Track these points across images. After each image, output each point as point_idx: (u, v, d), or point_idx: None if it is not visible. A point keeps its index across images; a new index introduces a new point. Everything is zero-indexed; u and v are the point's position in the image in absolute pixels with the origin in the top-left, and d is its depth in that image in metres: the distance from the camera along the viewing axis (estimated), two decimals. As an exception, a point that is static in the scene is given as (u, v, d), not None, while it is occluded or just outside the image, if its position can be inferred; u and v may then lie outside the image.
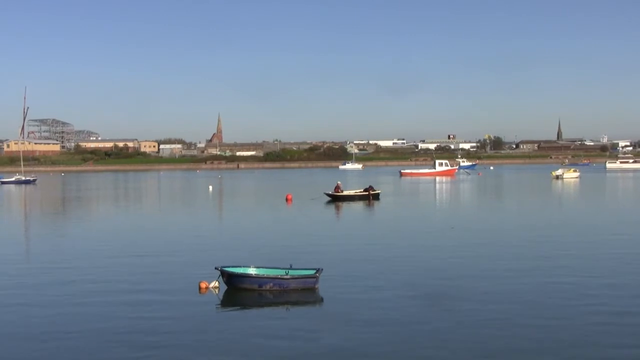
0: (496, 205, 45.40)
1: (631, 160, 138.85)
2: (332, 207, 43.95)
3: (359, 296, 15.59)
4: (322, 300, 15.45)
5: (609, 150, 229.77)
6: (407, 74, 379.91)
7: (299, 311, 14.77)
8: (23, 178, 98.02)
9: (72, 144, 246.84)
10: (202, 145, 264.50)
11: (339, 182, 52.30)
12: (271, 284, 16.30)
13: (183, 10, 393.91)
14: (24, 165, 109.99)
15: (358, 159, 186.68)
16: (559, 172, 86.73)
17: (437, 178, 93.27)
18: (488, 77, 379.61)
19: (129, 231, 31.07)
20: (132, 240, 27.23)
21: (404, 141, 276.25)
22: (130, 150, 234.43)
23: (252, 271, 16.91)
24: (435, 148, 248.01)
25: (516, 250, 22.29)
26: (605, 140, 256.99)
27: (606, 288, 16.20)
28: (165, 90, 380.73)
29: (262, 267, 17.24)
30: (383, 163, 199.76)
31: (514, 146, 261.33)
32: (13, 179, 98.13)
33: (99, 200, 58.84)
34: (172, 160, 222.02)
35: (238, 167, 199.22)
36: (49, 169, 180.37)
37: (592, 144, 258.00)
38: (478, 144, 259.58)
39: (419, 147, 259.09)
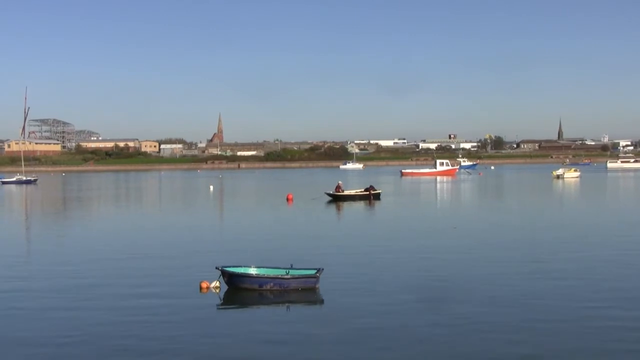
0: (497, 205, 45.38)
1: (632, 160, 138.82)
2: (333, 207, 43.95)
3: (360, 296, 15.59)
4: (322, 300, 15.46)
5: (609, 150, 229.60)
6: (407, 74, 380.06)
7: (300, 311, 14.79)
8: (24, 178, 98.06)
9: (73, 144, 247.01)
10: (203, 145, 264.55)
11: (340, 182, 52.31)
12: (272, 284, 16.31)
13: (183, 10, 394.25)
14: (24, 165, 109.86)
15: (359, 159, 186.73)
16: (560, 171, 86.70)
17: (438, 178, 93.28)
18: (488, 77, 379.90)
19: (130, 231, 31.09)
20: (132, 240, 27.24)
21: (405, 141, 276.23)
22: (131, 150, 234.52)
23: (252, 271, 16.93)
24: (436, 148, 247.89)
25: (517, 251, 22.27)
26: (606, 140, 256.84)
27: (607, 290, 16.17)
28: (166, 90, 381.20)
29: (263, 267, 17.25)
30: (384, 163, 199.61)
31: (515, 146, 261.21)
32: (14, 179, 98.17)
33: (100, 200, 58.86)
34: (172, 160, 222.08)
35: (239, 167, 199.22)
36: (49, 169, 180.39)
37: (593, 143, 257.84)
38: (479, 144, 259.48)
39: (420, 147, 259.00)
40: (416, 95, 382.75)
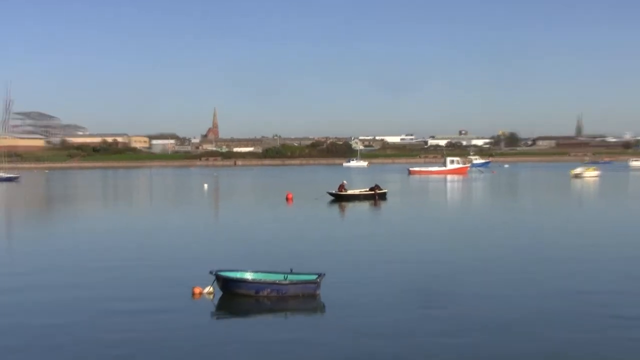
0: (511, 206, 45.29)
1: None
2: (335, 207, 43.95)
3: (364, 304, 15.52)
4: (323, 307, 15.40)
5: (632, 147, 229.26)
6: (415, 66, 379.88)
7: (298, 319, 14.72)
8: (5, 175, 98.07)
9: (58, 139, 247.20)
10: (197, 140, 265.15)
11: (344, 181, 52.17)
12: (269, 290, 16.25)
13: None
14: (6, 161, 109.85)
15: (363, 156, 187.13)
16: (578, 170, 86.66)
17: (448, 177, 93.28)
18: (502, 70, 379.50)
19: (118, 232, 31.03)
20: (121, 242, 27.18)
21: (413, 137, 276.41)
22: (119, 146, 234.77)
23: (248, 276, 16.87)
24: (446, 144, 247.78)
25: (531, 256, 22.18)
26: (628, 137, 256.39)
27: (620, 299, 16.09)
28: (157, 82, 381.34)
29: (260, 272, 17.19)
30: (390, 160, 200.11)
31: (530, 143, 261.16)
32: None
33: (87, 199, 58.86)
34: (164, 156, 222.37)
35: (235, 164, 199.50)
36: (32, 165, 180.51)
37: (614, 140, 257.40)
38: (492, 141, 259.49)
39: (429, 144, 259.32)
40: (425, 88, 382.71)
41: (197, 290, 16.65)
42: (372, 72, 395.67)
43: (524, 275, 18.63)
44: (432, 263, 20.87)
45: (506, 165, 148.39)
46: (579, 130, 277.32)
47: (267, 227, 31.85)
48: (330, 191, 50.40)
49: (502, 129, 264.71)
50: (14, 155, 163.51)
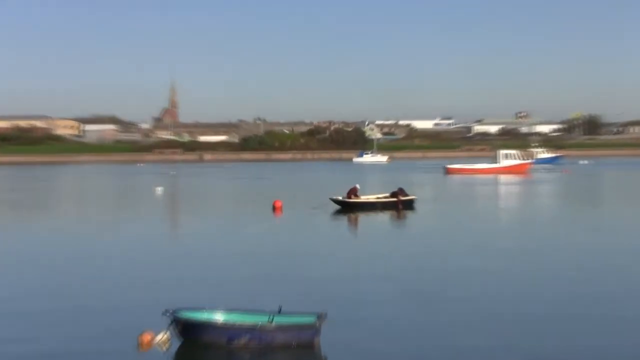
0: (586, 219, 45.21)
1: None
2: (342, 219, 44.09)
3: (380, 355, 15.52)
4: (325, 362, 15.43)
5: None
6: (454, 24, 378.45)
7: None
8: None
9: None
10: (148, 126, 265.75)
11: (357, 185, 51.96)
12: (248, 337, 16.21)
13: None
14: None
15: (382, 148, 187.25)
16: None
17: (502, 177, 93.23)
18: (577, 27, 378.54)
19: (36, 257, 30.97)
20: (40, 270, 27.13)
21: (451, 122, 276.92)
22: (38, 133, 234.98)
23: (219, 317, 16.86)
24: (499, 132, 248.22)
25: (604, 295, 22.13)
26: None
27: None
28: (92, 46, 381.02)
29: (236, 311, 17.18)
30: (419, 154, 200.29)
31: (619, 129, 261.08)
32: None
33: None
34: (101, 147, 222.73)
35: (201, 158, 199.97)
36: None
37: None
38: (563, 127, 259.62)
39: (474, 131, 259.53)
40: (467, 54, 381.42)
41: (146, 337, 16.60)
42: (393, 28, 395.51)
43: (596, 329, 18.63)
44: (474, 298, 20.83)
45: (585, 161, 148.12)
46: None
47: (246, 248, 31.82)
48: (336, 197, 50.35)
49: (578, 111, 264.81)
50: None
